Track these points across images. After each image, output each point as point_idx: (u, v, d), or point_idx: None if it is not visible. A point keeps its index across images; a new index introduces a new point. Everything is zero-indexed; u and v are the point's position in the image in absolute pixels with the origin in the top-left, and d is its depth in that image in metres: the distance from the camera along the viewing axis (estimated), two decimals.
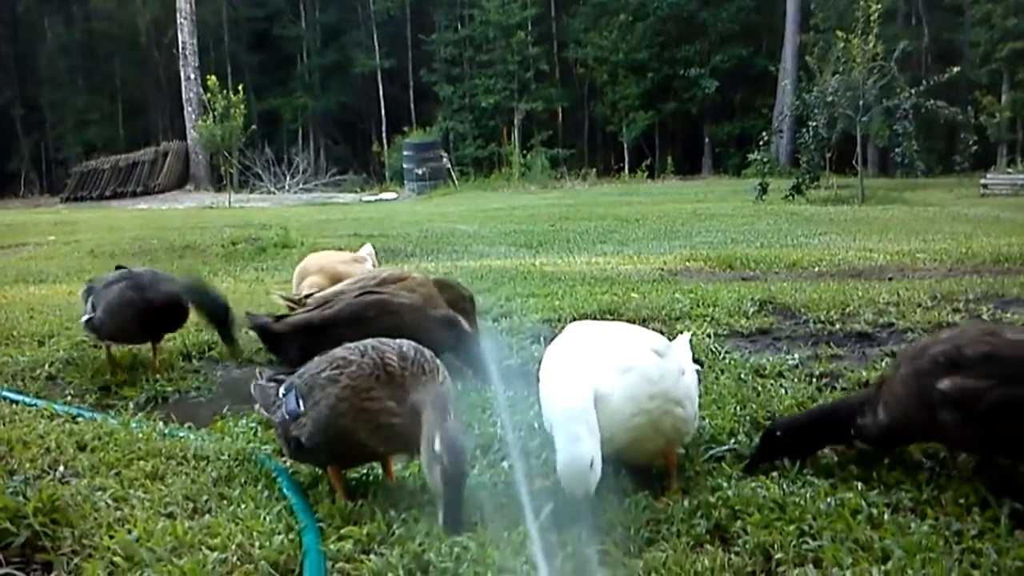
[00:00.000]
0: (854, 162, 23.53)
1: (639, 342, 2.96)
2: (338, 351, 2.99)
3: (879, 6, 21.84)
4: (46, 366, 4.99)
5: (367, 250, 6.59)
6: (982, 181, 24.43)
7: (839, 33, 22.92)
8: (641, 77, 40.74)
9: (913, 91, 21.88)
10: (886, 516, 2.61)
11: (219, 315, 4.52)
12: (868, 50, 21.62)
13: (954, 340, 2.90)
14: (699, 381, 3.29)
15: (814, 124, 22.07)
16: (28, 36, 50.49)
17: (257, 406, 3.30)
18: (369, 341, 2.98)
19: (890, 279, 7.45)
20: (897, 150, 22.70)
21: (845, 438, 3.09)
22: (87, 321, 4.71)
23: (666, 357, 2.96)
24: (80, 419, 3.95)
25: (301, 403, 2.94)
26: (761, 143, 25.13)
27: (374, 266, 6.18)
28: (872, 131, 25.34)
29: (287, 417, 2.99)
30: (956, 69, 23.60)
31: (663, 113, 41.45)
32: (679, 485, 2.99)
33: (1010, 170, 27.72)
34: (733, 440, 3.36)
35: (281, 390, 3.12)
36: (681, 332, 4.98)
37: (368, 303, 4.35)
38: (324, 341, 3.37)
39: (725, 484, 2.90)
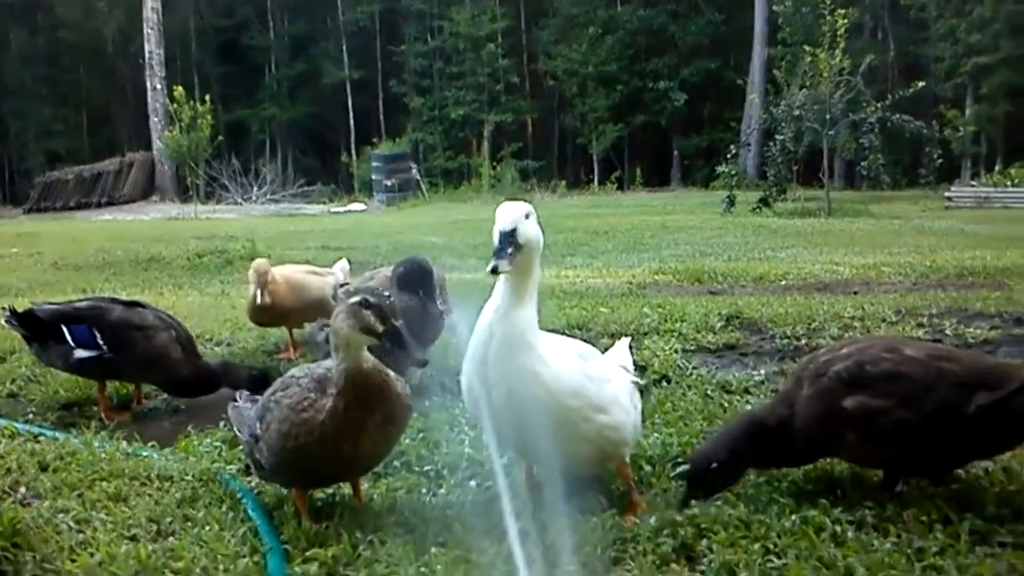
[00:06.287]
0: (821, 175, 23.70)
1: (563, 347, 2.96)
2: (293, 370, 2.99)
3: (846, 21, 22.09)
4: (7, 383, 4.93)
5: (342, 266, 6.51)
6: (947, 194, 24.73)
7: (806, 47, 23.19)
8: (611, 89, 40.97)
9: (879, 105, 22.11)
10: (850, 534, 2.62)
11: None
12: (835, 64, 21.87)
13: (856, 357, 2.94)
14: (641, 391, 3.29)
15: (781, 137, 22.25)
16: None
17: (234, 426, 3.28)
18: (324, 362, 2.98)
19: (855, 293, 7.53)
20: (863, 163, 22.93)
21: (770, 461, 3.07)
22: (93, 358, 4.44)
23: (589, 362, 2.97)
24: (42, 438, 3.90)
25: (258, 425, 2.93)
26: (729, 156, 25.29)
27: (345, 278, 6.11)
28: (839, 144, 25.59)
29: (250, 438, 2.98)
30: (921, 83, 23.90)
31: (632, 125, 41.71)
32: (641, 500, 3.00)
33: (974, 183, 28.14)
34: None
35: (253, 411, 3.11)
36: (649, 347, 5.02)
37: None
38: None
39: (691, 502, 2.91)
